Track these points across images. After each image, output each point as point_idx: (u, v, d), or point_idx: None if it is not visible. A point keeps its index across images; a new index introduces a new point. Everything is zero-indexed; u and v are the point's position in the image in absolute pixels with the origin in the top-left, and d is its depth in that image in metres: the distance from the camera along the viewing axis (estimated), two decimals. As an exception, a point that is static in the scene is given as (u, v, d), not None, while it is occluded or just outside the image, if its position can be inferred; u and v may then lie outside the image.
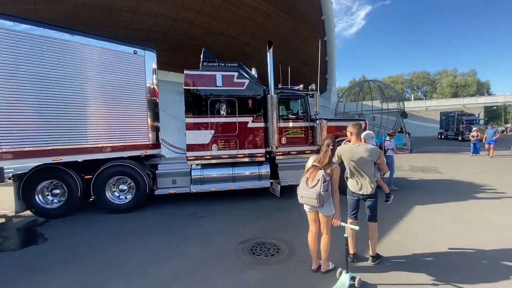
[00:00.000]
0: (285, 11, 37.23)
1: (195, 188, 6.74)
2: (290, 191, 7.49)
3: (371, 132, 4.23)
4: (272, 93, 7.01)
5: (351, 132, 3.86)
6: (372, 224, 3.88)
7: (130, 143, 6.61)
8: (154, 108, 7.17)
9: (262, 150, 7.12)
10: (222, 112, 6.82)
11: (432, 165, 12.88)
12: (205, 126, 6.74)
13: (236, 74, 6.86)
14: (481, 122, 30.30)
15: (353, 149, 3.75)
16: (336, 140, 7.86)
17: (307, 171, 3.49)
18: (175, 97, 22.65)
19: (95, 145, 6.11)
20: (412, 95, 76.06)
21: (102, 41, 6.25)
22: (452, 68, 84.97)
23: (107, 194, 6.33)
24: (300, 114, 7.53)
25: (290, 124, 7.44)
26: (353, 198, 3.93)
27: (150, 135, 6.98)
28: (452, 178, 9.66)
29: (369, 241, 3.91)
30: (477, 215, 5.72)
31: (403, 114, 23.96)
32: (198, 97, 6.68)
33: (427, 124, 49.56)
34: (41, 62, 5.43)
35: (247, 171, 7.03)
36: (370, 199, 3.83)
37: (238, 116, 6.91)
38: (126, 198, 6.51)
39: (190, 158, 6.73)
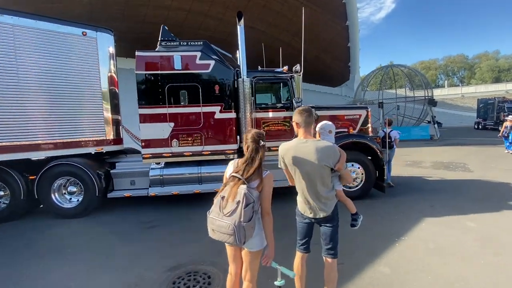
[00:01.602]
0: (303, -4, 34.75)
1: (153, 191, 5.66)
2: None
3: (329, 123, 2.76)
4: (244, 77, 5.65)
5: (296, 123, 2.46)
6: (329, 261, 2.48)
7: (80, 139, 5.68)
8: (112, 99, 6.16)
9: (234, 146, 5.83)
10: (183, 100, 5.61)
11: (461, 160, 10.67)
12: (163, 118, 5.57)
13: (198, 54, 5.58)
14: (528, 109, 25.99)
15: (298, 147, 2.37)
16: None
17: (224, 186, 2.19)
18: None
19: (35, 142, 5.23)
20: (446, 81, 68.86)
21: (42, 21, 5.29)
22: (493, 50, 75.45)
23: (53, 197, 5.46)
24: (282, 103, 6.09)
25: (270, 115, 6.03)
26: (302, 221, 2.56)
27: (107, 130, 6.00)
28: (484, 178, 7.64)
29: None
30: (514, 237, 4.00)
31: (431, 102, 21.00)
32: (153, 83, 5.50)
33: (463, 113, 44.46)
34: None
35: (215, 171, 5.80)
36: (327, 224, 2.45)
37: (203, 106, 5.65)
38: (77, 201, 5.62)
39: (145, 156, 5.61)
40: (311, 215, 2.45)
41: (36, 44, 5.20)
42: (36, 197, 5.40)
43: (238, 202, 1.98)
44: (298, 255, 2.58)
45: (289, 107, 6.00)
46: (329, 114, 6.42)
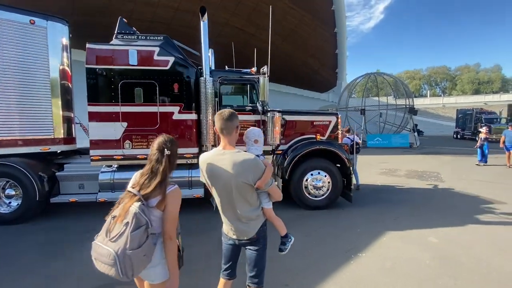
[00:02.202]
0: (292, 1, 34.80)
1: (103, 196, 5.16)
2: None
3: (256, 130, 2.37)
4: (207, 76, 5.26)
5: (216, 129, 2.09)
6: (253, 291, 2.11)
7: (22, 137, 5.13)
8: (64, 94, 5.62)
9: (194, 150, 5.41)
10: (138, 99, 5.16)
11: (435, 170, 10.62)
12: (115, 117, 5.08)
13: (157, 49, 5.14)
14: (503, 121, 26.77)
15: (214, 160, 1.99)
16: (300, 139, 6.17)
17: (117, 203, 1.77)
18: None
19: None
20: (429, 91, 70.64)
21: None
22: (474, 63, 77.98)
23: (-14, 200, 4.90)
24: (250, 105, 5.73)
25: (235, 117, 5.66)
26: (227, 241, 2.19)
27: (56, 128, 5.46)
28: (455, 189, 7.51)
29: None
30: (480, 253, 3.75)
31: (411, 110, 21.22)
32: (105, 78, 5.01)
33: (444, 123, 45.57)
34: None
35: (173, 176, 5.35)
36: (251, 248, 2.08)
37: (160, 105, 5.21)
38: (16, 205, 5.04)
39: (94, 158, 5.10)
40: (234, 236, 2.08)
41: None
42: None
43: (126, 224, 1.58)
44: (221, 282, 2.20)
45: (257, 110, 5.65)
46: (297, 120, 6.13)
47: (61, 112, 5.53)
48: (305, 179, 5.65)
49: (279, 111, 5.63)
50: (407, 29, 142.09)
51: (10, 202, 5.12)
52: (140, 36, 5.31)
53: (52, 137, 5.42)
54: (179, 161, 5.26)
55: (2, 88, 4.92)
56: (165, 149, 1.79)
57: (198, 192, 5.40)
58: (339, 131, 6.34)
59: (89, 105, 5.03)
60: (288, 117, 5.97)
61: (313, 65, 46.51)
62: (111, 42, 5.16)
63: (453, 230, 4.61)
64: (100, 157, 5.12)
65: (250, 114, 5.69)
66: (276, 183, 2.10)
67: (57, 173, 5.30)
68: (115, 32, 5.25)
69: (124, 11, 27.25)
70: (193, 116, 5.36)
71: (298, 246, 3.98)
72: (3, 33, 4.92)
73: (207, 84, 5.23)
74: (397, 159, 14.19)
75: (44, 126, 5.33)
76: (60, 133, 5.51)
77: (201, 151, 5.49)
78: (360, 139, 7.69)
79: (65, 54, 5.64)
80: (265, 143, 5.64)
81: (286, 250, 2.34)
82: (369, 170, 10.94)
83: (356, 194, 6.79)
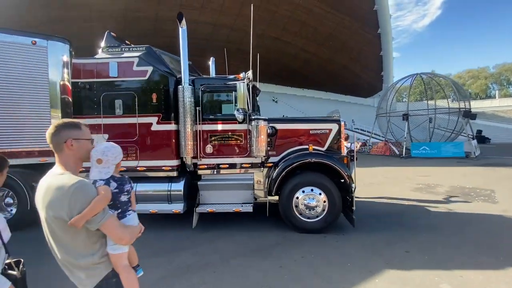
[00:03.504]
0: (329, 5, 33.51)
1: (86, 207, 5.14)
2: (218, 217, 5.32)
3: (102, 147, 1.76)
4: (185, 84, 4.92)
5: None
6: None
7: (22, 149, 5.42)
8: (64, 108, 5.84)
9: (173, 162, 5.06)
10: (118, 110, 5.05)
11: (489, 187, 8.52)
12: (97, 128, 5.04)
13: (136, 60, 4.99)
14: None
15: (39, 185, 1.53)
16: (293, 150, 5.36)
17: None
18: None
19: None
20: (497, 91, 60.24)
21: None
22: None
23: (-10, 208, 5.24)
24: (232, 113, 5.20)
25: (219, 127, 5.19)
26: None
27: (54, 139, 5.69)
28: (508, 214, 5.78)
29: None
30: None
31: (467, 114, 17.99)
32: (88, 91, 5.02)
33: (519, 128, 38.30)
34: None
35: (151, 189, 5.09)
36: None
37: (139, 116, 5.01)
38: (10, 213, 5.32)
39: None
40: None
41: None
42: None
43: None
44: None
45: (244, 119, 5.08)
46: (290, 128, 5.37)
47: (59, 125, 5.74)
48: (295, 196, 4.84)
49: (264, 119, 4.98)
50: (468, 24, 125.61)
51: (11, 210, 5.41)
52: (124, 48, 5.26)
53: (51, 149, 5.63)
54: (155, 174, 5.07)
55: (5, 103, 5.28)
56: None
57: (178, 208, 5.01)
58: (342, 140, 5.38)
59: (73, 117, 5.09)
60: (280, 126, 5.27)
61: (355, 69, 43.82)
62: (95, 56, 5.20)
63: (480, 276, 3.33)
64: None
65: (235, 123, 5.14)
66: (112, 218, 1.50)
67: (49, 184, 5.46)
68: (101, 46, 5.29)
69: (166, 30, 29.33)
70: (173, 126, 5.04)
71: (259, 278, 3.28)
72: (8, 53, 5.31)
73: (185, 92, 4.88)
74: (443, 171, 12.00)
75: (43, 138, 5.57)
76: (58, 145, 5.72)
77: (182, 163, 5.14)
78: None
79: (65, 70, 5.88)
80: (249, 155, 5.05)
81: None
82: (403, 184, 9.35)
83: (367, 216, 5.67)
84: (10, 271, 1.70)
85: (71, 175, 1.48)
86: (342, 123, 5.34)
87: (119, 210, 1.70)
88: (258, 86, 7.11)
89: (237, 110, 4.78)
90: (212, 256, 4.01)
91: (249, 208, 4.95)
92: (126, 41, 5.79)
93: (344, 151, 5.33)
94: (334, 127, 5.32)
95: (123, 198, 1.74)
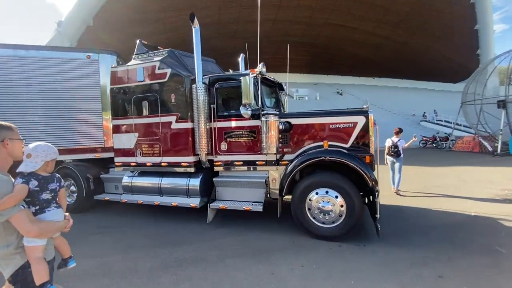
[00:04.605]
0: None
1: (125, 198, 5.83)
2: (236, 214, 5.31)
3: (37, 144, 1.84)
4: (199, 83, 5.01)
5: None
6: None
7: (81, 146, 6.52)
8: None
9: (190, 158, 5.24)
10: (144, 111, 5.54)
11: None
12: (129, 128, 5.66)
13: (157, 64, 5.34)
14: None
15: None
16: (311, 146, 4.81)
17: None
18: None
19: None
20: None
21: (55, 51, 6.47)
22: None
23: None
24: (251, 110, 5.02)
25: (233, 124, 5.12)
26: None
27: (105, 138, 6.67)
28: None
29: None
30: None
31: None
32: (122, 95, 5.67)
33: None
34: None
35: (172, 184, 5.41)
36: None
37: (161, 116, 5.37)
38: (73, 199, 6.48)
39: (117, 164, 5.86)
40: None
41: (45, 69, 6.24)
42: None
43: None
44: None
45: (256, 115, 4.89)
46: (306, 123, 4.85)
47: (110, 125, 6.69)
48: (308, 198, 4.37)
49: (275, 114, 4.66)
50: None
51: (75, 195, 6.62)
52: (150, 54, 5.71)
53: (103, 146, 6.63)
54: (177, 169, 5.36)
55: (68, 109, 6.44)
56: None
57: (194, 202, 5.20)
58: (371, 136, 4.56)
59: (113, 119, 5.85)
60: (295, 121, 4.84)
61: (440, 49, 36.98)
62: (128, 64, 5.81)
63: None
64: (121, 164, 5.85)
65: (250, 119, 4.98)
66: (22, 212, 1.60)
67: (101, 175, 6.44)
68: (134, 54, 5.88)
69: (229, 32, 30.70)
70: (189, 124, 5.23)
71: (242, 282, 3.11)
72: (67, 67, 6.41)
73: (199, 91, 4.97)
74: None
75: (97, 137, 6.59)
76: (109, 143, 6.67)
77: (198, 160, 5.30)
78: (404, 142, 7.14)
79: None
80: (259, 152, 4.83)
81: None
82: (482, 190, 7.43)
83: (408, 226, 4.72)
84: None
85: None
86: (371, 116, 4.53)
87: (37, 207, 1.81)
88: (287, 81, 6.73)
89: (243, 105, 4.60)
90: (211, 253, 4.00)
91: (259, 208, 4.74)
92: (159, 47, 6.27)
93: (373, 149, 4.51)
94: (360, 120, 4.56)
95: (45, 196, 1.85)
